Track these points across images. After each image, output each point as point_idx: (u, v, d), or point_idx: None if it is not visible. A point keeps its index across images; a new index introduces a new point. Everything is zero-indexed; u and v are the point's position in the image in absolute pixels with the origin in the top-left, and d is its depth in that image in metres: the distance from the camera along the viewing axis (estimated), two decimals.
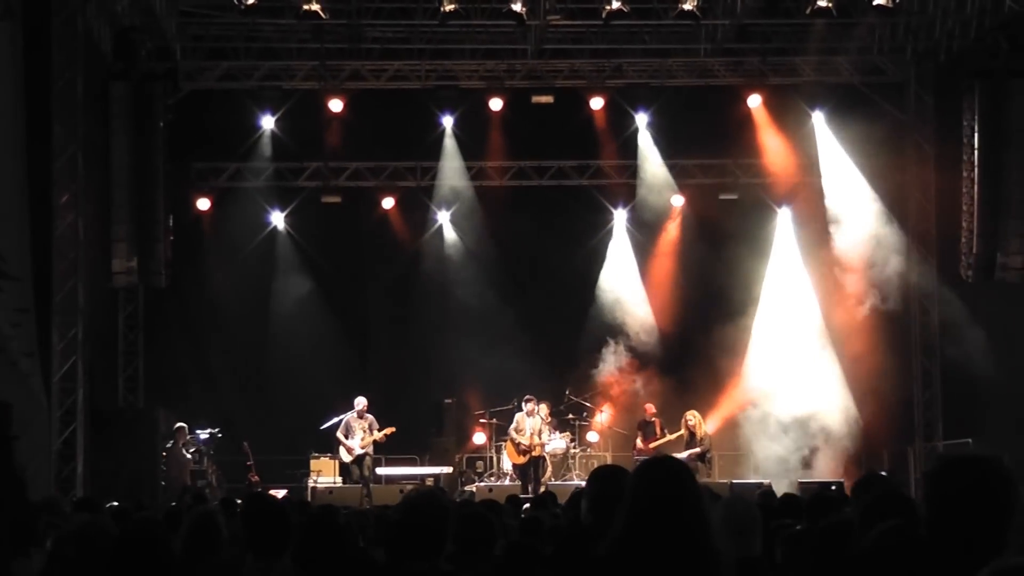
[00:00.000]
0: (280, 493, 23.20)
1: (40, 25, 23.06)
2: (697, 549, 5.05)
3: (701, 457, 24.88)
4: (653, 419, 26.57)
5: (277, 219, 30.14)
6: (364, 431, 25.97)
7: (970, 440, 26.31)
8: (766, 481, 24.43)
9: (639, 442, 26.48)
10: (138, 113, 24.89)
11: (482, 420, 27.92)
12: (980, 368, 26.92)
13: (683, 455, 23.07)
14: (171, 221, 26.01)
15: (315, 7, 24.49)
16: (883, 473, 21.36)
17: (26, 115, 22.23)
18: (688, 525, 5.07)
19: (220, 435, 27.06)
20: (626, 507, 5.22)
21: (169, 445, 25.40)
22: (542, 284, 29.88)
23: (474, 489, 25.30)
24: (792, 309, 29.52)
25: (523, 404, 26.34)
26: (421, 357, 29.96)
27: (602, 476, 6.93)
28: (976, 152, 25.43)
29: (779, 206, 30.17)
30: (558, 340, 29.52)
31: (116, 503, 15.48)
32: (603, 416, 28.11)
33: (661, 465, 5.41)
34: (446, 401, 28.68)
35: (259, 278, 29.86)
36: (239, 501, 13.98)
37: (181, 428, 25.82)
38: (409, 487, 22.38)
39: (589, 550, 5.94)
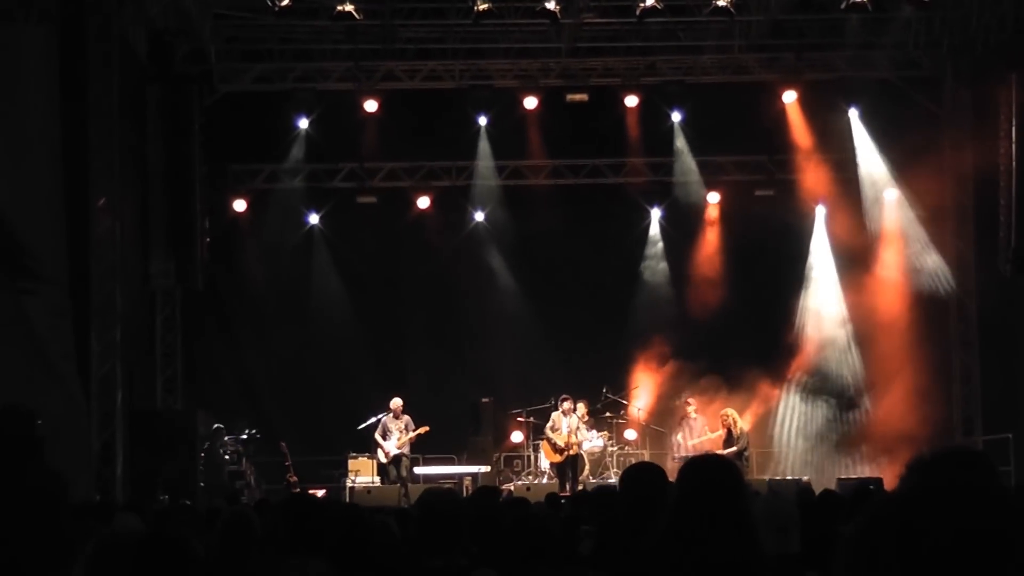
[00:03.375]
0: (319, 493, 23.26)
1: (76, 29, 23.10)
2: (743, 548, 5.03)
3: (739, 455, 24.72)
4: (694, 416, 26.51)
5: (313, 220, 30.15)
6: (400, 431, 26.01)
7: (1010, 435, 26.16)
8: (805, 478, 24.33)
9: (679, 439, 26.43)
10: (174, 116, 24.99)
11: (519, 419, 27.85)
12: (1020, 362, 26.76)
13: (722, 453, 22.95)
14: (207, 223, 26.09)
15: (349, 8, 24.52)
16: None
17: (62, 119, 22.29)
18: (736, 524, 5.05)
19: (258, 436, 27.12)
20: (675, 505, 5.19)
21: (207, 446, 25.46)
22: (578, 283, 29.80)
23: (512, 488, 25.24)
24: (829, 306, 29.44)
25: (560, 403, 26.27)
26: (458, 357, 30.01)
27: (635, 475, 6.89)
28: (1013, 146, 25.22)
29: (815, 202, 30.01)
30: (595, 338, 29.43)
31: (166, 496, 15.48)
32: (639, 403, 28.04)
33: (710, 464, 5.41)
34: (483, 400, 28.62)
35: (295, 279, 29.91)
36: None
37: (219, 429, 25.91)
38: (448, 486, 22.42)
39: (627, 548, 5.93)
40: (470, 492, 22.91)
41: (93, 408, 23.13)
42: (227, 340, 29.65)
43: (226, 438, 26.03)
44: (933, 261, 28.53)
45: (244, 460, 26.33)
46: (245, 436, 26.83)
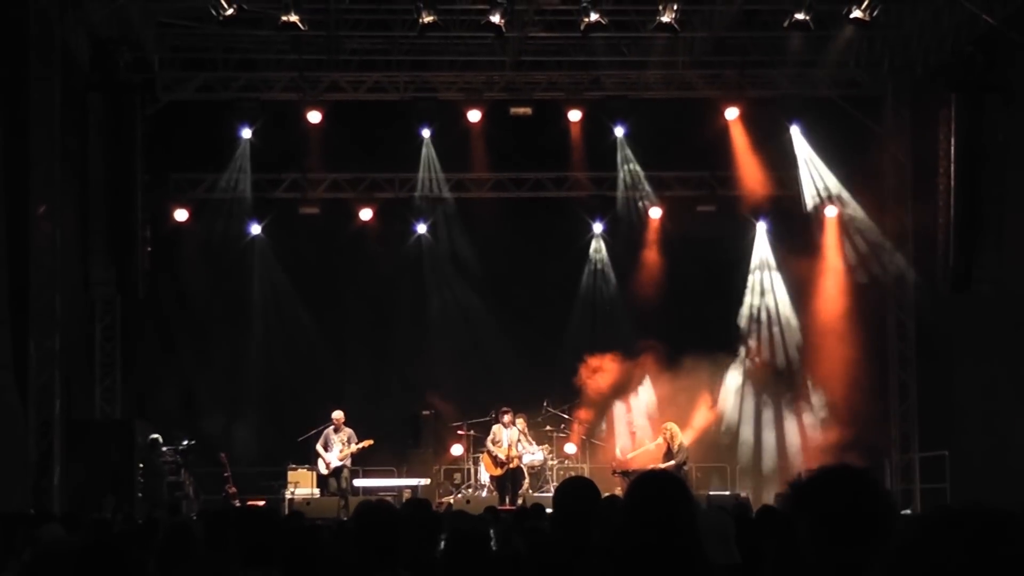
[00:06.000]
0: (257, 504, 23.22)
1: (16, 36, 23.04)
2: (693, 563, 5.11)
3: (678, 468, 24.89)
4: (635, 430, 26.68)
5: (255, 230, 30.10)
6: (343, 443, 26.05)
7: (946, 452, 26.46)
8: (743, 494, 24.55)
9: (618, 453, 26.61)
10: (115, 124, 24.84)
11: (459, 432, 27.91)
12: (957, 380, 27.04)
13: (661, 467, 23.12)
14: (149, 232, 25.98)
15: (294, 18, 24.46)
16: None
17: (2, 126, 22.21)
18: (685, 540, 5.12)
19: (193, 444, 26.97)
20: (623, 522, 5.26)
21: (146, 456, 25.37)
22: (520, 296, 29.89)
23: (451, 501, 25.31)
24: (769, 321, 29.70)
25: (500, 416, 26.39)
26: (399, 369, 30.06)
27: (569, 490, 6.96)
28: (952, 165, 25.48)
29: (757, 218, 30.29)
30: (536, 352, 29.53)
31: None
32: (579, 428, 28.19)
33: (658, 480, 5.45)
34: (424, 413, 28.68)
35: (237, 289, 29.86)
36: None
37: (156, 439, 25.80)
38: (387, 498, 22.42)
39: (561, 564, 6.03)
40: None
41: (31, 417, 23.05)
42: (167, 349, 29.61)
43: (164, 448, 25.95)
44: (872, 278, 28.86)
45: (183, 471, 26.28)
46: (184, 446, 26.75)
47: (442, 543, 8.58)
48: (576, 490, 6.82)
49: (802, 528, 3.83)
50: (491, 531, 10.64)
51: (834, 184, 29.13)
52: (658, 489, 5.29)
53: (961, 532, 2.63)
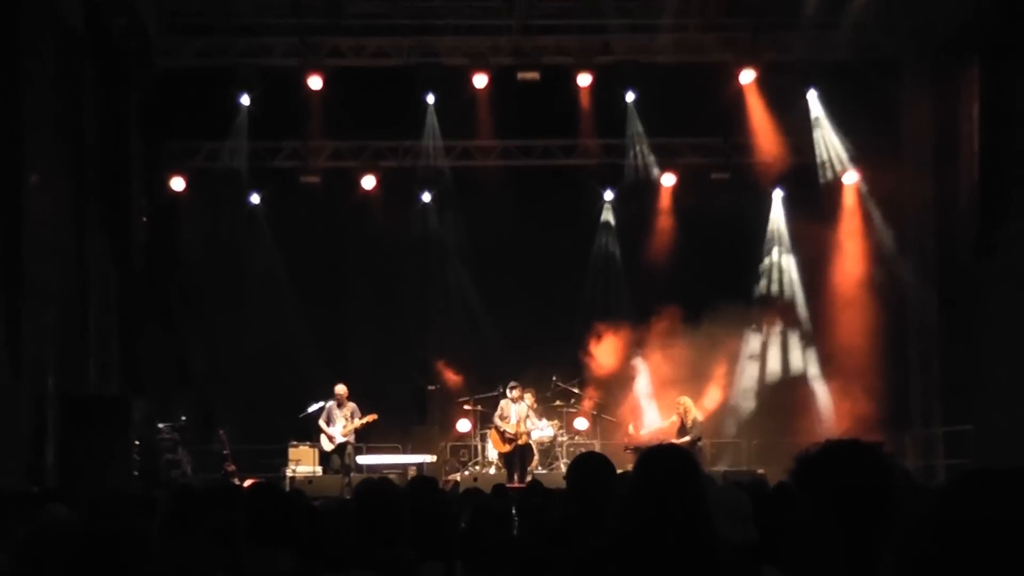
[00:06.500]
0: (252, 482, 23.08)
1: (8, 1, 22.87)
2: (700, 540, 5.09)
3: (692, 444, 24.72)
4: (648, 405, 26.53)
5: (254, 200, 29.94)
6: (346, 419, 25.87)
7: (971, 426, 26.26)
8: (760, 470, 24.42)
9: (631, 429, 26.51)
10: (110, 91, 24.75)
11: (466, 407, 27.74)
12: (981, 352, 26.85)
13: (676, 442, 22.97)
14: (145, 202, 25.87)
15: None
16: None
17: None
18: (692, 516, 5.10)
19: (185, 420, 26.83)
20: (629, 497, 5.25)
21: (142, 433, 25.27)
22: (528, 267, 29.61)
23: (459, 478, 25.17)
24: (784, 292, 29.57)
25: (508, 391, 26.23)
26: (403, 342, 29.86)
27: (583, 466, 6.90)
28: (976, 130, 25.29)
29: (773, 187, 30.04)
30: (545, 324, 29.29)
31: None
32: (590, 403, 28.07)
33: (665, 454, 5.42)
34: (429, 388, 28.57)
35: (236, 261, 29.62)
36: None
37: (154, 416, 25.70)
38: (392, 476, 22.33)
39: (577, 543, 5.94)
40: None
41: (24, 393, 22.94)
42: (165, 323, 29.29)
43: (161, 425, 25.84)
44: (892, 247, 28.67)
45: (180, 448, 26.17)
46: (182, 423, 26.64)
47: (462, 522, 8.55)
48: (591, 466, 6.79)
49: (808, 506, 3.79)
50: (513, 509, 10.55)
51: (853, 150, 28.88)
52: (663, 461, 5.30)
53: (996, 488, 2.45)
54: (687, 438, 24.53)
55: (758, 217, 30.09)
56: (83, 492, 15.35)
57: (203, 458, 26.77)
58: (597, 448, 25.74)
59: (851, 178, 29.03)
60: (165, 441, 25.80)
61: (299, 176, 29.61)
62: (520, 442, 25.93)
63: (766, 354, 29.27)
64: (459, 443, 28.18)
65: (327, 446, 25.98)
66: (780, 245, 29.91)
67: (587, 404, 27.90)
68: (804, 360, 29.12)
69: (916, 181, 28.63)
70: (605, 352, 28.35)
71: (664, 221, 30.05)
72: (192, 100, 28.65)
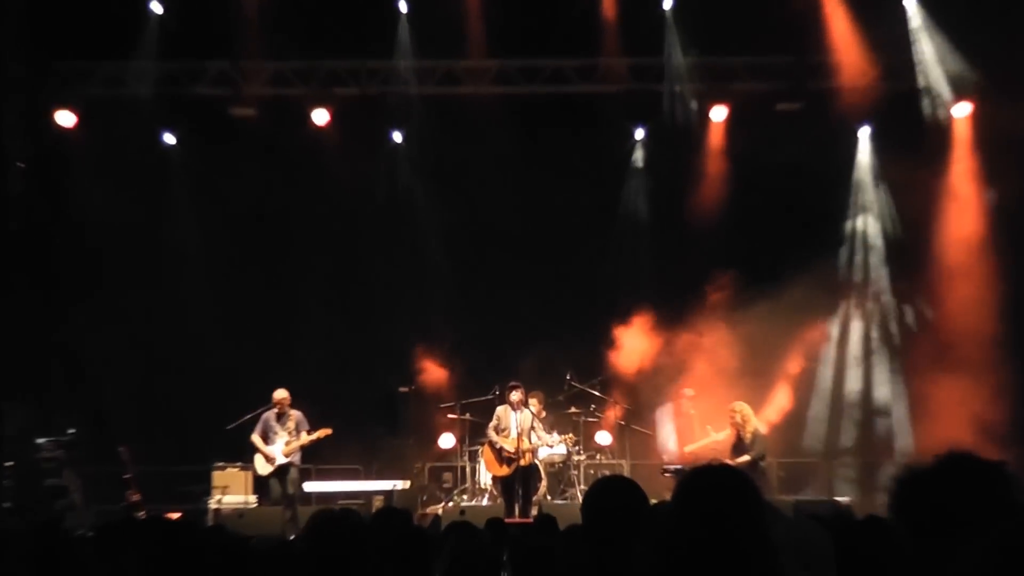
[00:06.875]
0: (172, 517, 23.05)
1: None
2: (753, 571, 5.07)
3: (753, 464, 24.62)
4: (690, 412, 26.45)
5: (169, 140, 29.90)
6: (289, 433, 25.73)
7: None
8: (845, 499, 24.40)
9: (666, 436, 26.43)
10: None
11: (451, 416, 27.95)
12: None
13: (732, 463, 22.83)
14: (23, 142, 25.85)
15: None
16: None
17: None
18: (750, 559, 5.09)
19: (74, 434, 26.87)
20: (667, 537, 5.24)
21: (16, 451, 25.31)
22: (533, 228, 29.82)
23: (440, 511, 25.03)
24: (874, 261, 29.52)
25: (507, 394, 26.01)
26: (367, 330, 30.08)
27: (605, 494, 6.93)
28: None
29: (857, 122, 30.09)
30: (556, 306, 29.53)
31: None
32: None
33: (715, 478, 5.36)
34: (401, 390, 28.72)
35: (146, 220, 29.67)
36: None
37: (33, 429, 25.70)
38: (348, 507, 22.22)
39: None
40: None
41: None
42: (50, 302, 29.39)
43: (41, 441, 25.82)
44: (1014, 198, 28.49)
45: (67, 471, 26.13)
46: (70, 437, 26.60)
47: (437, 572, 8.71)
48: (615, 494, 6.81)
49: (905, 530, 4.19)
50: (504, 556, 10.49)
51: (966, 72, 28.73)
52: (713, 488, 5.29)
53: None
54: (746, 457, 24.44)
55: (839, 160, 30.11)
56: None
57: (98, 484, 26.67)
58: (625, 470, 26.00)
59: (963, 109, 28.83)
60: (47, 461, 25.74)
61: (228, 108, 29.57)
62: (522, 462, 25.70)
63: (849, 344, 29.21)
64: (441, 463, 28.53)
65: (263, 469, 25.86)
66: (868, 196, 29.81)
67: (611, 412, 27.85)
68: (902, 352, 29.05)
69: None
70: (635, 344, 28.22)
71: (713, 167, 30.11)
72: (86, 8, 28.42)
